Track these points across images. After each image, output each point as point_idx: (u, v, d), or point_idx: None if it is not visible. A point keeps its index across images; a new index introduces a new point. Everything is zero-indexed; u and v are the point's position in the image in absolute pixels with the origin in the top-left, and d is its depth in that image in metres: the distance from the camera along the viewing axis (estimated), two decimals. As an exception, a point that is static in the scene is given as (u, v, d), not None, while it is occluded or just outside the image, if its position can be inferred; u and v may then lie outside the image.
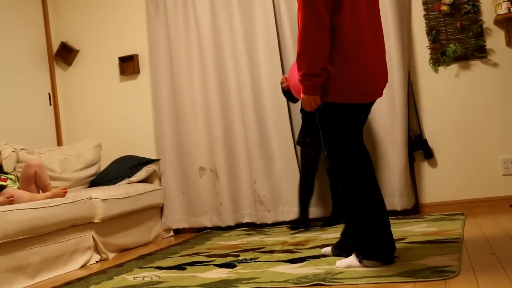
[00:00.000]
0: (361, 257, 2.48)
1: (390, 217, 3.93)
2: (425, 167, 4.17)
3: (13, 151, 3.96)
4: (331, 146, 2.55)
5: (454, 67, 4.12)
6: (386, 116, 4.05)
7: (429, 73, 4.16)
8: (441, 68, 4.14)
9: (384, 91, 4.04)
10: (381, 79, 2.57)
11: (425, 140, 4.12)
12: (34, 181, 3.65)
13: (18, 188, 3.60)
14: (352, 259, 2.52)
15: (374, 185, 2.54)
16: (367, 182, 2.52)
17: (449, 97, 4.12)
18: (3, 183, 3.58)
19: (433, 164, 4.15)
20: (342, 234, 2.83)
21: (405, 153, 4.00)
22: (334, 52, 2.42)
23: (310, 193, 4.00)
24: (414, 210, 4.09)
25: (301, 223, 3.95)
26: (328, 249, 2.89)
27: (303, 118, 3.99)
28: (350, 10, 2.41)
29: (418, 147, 4.13)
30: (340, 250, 2.79)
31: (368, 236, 2.49)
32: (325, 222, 3.94)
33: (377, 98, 2.61)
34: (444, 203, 4.10)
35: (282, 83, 3.88)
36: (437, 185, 4.13)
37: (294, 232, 3.82)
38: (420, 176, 4.18)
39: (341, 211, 3.88)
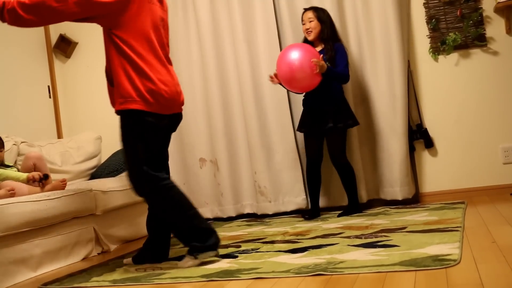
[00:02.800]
0: (195, 254, 2.73)
1: (391, 206, 3.98)
2: (426, 156, 4.17)
3: (14, 144, 3.96)
4: (131, 155, 2.77)
5: (454, 55, 4.11)
6: (386, 106, 4.04)
7: (429, 62, 4.15)
8: (441, 57, 4.13)
9: (384, 80, 4.04)
10: (175, 95, 2.81)
11: (426, 129, 4.12)
12: None
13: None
14: (188, 260, 2.74)
15: (174, 187, 2.77)
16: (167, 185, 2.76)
17: (449, 86, 4.12)
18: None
19: (434, 153, 4.16)
20: (143, 244, 3.04)
21: (405, 143, 4.00)
22: (131, 67, 2.66)
23: (318, 182, 4.00)
24: (415, 199, 4.09)
25: (313, 213, 3.95)
26: (129, 260, 3.02)
27: (306, 107, 3.99)
28: (137, 30, 2.67)
29: (418, 136, 4.13)
30: (140, 259, 2.98)
31: (190, 235, 2.75)
32: (342, 212, 3.92)
33: (175, 112, 2.86)
34: (444, 192, 4.11)
35: (272, 81, 3.86)
36: (437, 174, 4.14)
37: (302, 221, 3.83)
38: (420, 165, 4.18)
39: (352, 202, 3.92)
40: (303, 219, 3.94)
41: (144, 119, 2.70)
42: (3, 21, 2.67)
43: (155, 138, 2.78)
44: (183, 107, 2.95)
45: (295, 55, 3.65)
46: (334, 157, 3.88)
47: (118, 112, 2.75)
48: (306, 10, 3.96)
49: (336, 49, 3.85)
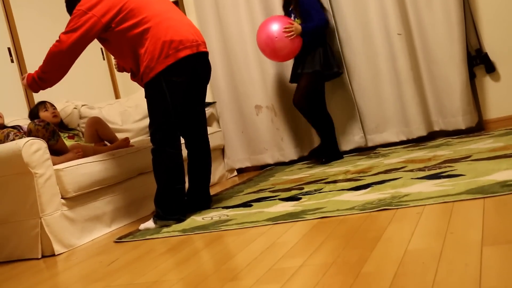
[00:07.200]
0: (155, 219, 2.93)
1: (453, 137, 3.88)
2: (488, 82, 4.01)
3: (74, 108, 4.08)
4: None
5: (512, -28, 3.87)
6: (442, 33, 3.89)
7: (485, -18, 3.93)
8: (498, -25, 3.90)
9: (439, 7, 3.87)
10: (191, 36, 2.92)
11: (486, 54, 3.94)
12: (98, 138, 3.77)
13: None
14: (149, 223, 2.95)
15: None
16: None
17: (508, 4, 3.89)
18: (72, 140, 3.71)
19: (496, 78, 3.99)
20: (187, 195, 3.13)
21: (465, 70, 3.86)
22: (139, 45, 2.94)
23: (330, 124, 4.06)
24: (479, 127, 3.97)
25: (332, 155, 4.04)
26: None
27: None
28: (133, 17, 2.92)
29: (478, 61, 3.96)
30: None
31: (162, 203, 2.93)
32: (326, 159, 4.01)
33: (196, 51, 2.92)
34: (509, 117, 3.96)
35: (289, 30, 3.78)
36: (501, 99, 3.98)
37: (362, 159, 3.82)
38: (482, 91, 4.03)
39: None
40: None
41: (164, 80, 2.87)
42: (37, 90, 3.07)
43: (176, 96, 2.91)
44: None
45: (270, 29, 3.75)
46: (294, 100, 3.96)
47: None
48: None
49: (301, 2, 3.85)
